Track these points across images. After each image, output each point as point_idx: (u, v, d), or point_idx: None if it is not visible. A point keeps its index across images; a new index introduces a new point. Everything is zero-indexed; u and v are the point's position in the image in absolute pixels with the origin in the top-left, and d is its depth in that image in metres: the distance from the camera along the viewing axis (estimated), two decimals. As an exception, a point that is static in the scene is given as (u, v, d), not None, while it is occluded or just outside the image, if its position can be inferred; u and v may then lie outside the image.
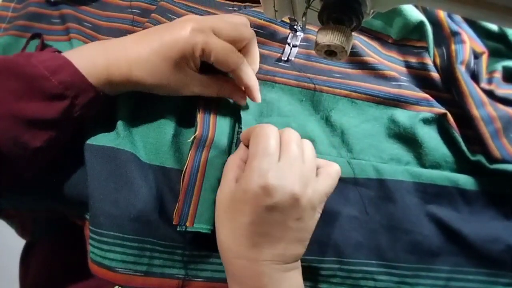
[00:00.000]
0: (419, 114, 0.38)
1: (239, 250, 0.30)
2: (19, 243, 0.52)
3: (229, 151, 0.37)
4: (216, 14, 0.43)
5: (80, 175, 0.37)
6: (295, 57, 0.41)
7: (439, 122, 0.39)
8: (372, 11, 0.25)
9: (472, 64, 0.41)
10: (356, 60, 0.41)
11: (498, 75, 0.40)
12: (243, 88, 0.37)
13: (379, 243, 0.36)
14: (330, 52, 0.25)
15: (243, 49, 0.36)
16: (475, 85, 0.39)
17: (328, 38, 0.24)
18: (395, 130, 0.39)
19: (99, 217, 0.33)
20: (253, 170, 0.29)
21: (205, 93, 0.36)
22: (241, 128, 0.37)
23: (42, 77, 0.30)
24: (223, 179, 0.33)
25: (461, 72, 0.39)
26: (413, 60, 0.42)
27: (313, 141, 0.38)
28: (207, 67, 0.36)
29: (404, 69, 0.43)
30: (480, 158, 0.38)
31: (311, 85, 0.39)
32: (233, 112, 0.38)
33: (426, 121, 0.39)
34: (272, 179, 0.28)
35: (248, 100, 0.38)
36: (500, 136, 0.38)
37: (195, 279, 0.35)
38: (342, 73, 0.41)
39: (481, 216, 0.38)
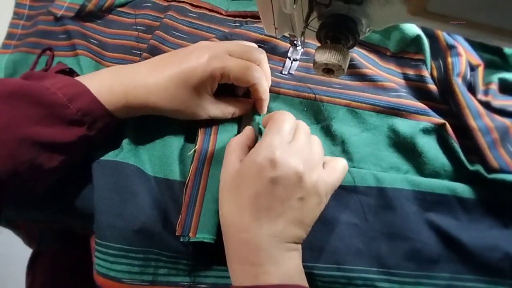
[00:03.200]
0: (419, 124, 0.39)
1: (242, 223, 0.31)
2: (26, 252, 0.53)
3: None
4: (219, 29, 0.44)
5: (86, 188, 0.38)
6: (295, 70, 0.42)
7: (438, 132, 0.40)
8: (368, 29, 0.26)
9: (468, 76, 0.41)
10: (355, 72, 0.42)
11: (494, 86, 0.41)
12: (254, 101, 0.39)
13: (379, 250, 0.36)
14: (327, 70, 0.26)
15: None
16: (471, 97, 0.40)
17: (326, 57, 0.25)
18: (395, 139, 0.40)
19: (104, 230, 0.34)
20: (264, 144, 0.31)
21: (222, 115, 0.38)
22: None
23: (61, 105, 0.31)
24: (226, 159, 0.34)
25: (458, 84, 0.40)
26: (411, 72, 0.43)
27: None
28: (219, 88, 0.37)
29: (402, 81, 0.44)
30: (479, 168, 0.39)
31: (312, 95, 0.40)
32: (234, 125, 0.39)
33: (425, 131, 0.39)
34: (279, 154, 0.30)
35: None
36: (498, 146, 0.38)
37: (200, 285, 0.36)
38: (341, 84, 0.42)
39: (480, 225, 0.38)
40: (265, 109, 0.39)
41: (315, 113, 0.41)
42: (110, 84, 0.34)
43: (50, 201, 0.39)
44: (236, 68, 0.35)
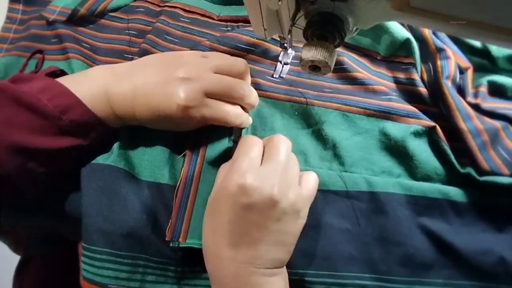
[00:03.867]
0: (410, 127, 0.39)
1: (218, 250, 0.30)
2: (14, 258, 0.52)
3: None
4: (211, 34, 0.45)
5: (75, 192, 0.37)
6: (286, 74, 0.42)
7: (429, 135, 0.40)
8: (355, 28, 0.26)
9: (458, 79, 0.42)
10: (346, 76, 0.42)
11: (483, 89, 0.41)
12: None
13: (372, 256, 0.36)
14: (314, 67, 0.26)
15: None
16: (461, 99, 0.40)
17: (312, 54, 0.25)
18: (386, 143, 0.40)
19: (91, 234, 0.34)
20: (233, 170, 0.30)
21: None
22: (232, 143, 0.38)
23: (53, 117, 0.31)
24: (214, 184, 0.34)
25: (448, 86, 0.40)
26: (401, 76, 0.44)
27: (305, 154, 0.39)
28: None
29: (393, 85, 0.44)
30: (470, 170, 0.38)
31: (303, 99, 0.40)
32: (226, 128, 0.39)
33: (416, 134, 0.39)
34: (250, 179, 0.29)
35: None
36: (488, 148, 0.39)
37: None
38: (332, 88, 0.42)
39: (472, 228, 0.38)
40: (247, 124, 0.39)
41: (306, 117, 0.41)
42: (102, 93, 0.34)
43: (39, 206, 0.38)
44: (215, 116, 0.35)
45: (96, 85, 0.34)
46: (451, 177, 0.39)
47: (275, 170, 0.30)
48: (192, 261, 0.35)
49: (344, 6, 0.24)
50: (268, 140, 0.33)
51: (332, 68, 0.26)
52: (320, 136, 0.40)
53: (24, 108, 0.30)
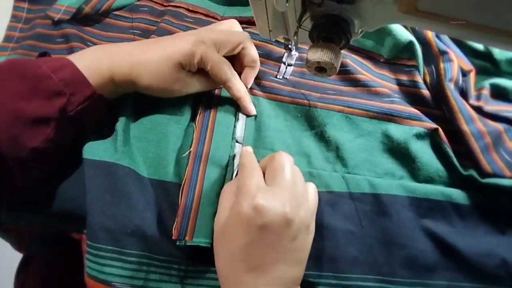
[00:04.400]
0: (413, 129, 0.39)
1: (238, 275, 0.30)
2: (15, 258, 0.52)
3: (226, 165, 0.37)
4: None
5: (78, 189, 0.37)
6: (290, 75, 0.42)
7: (432, 137, 0.40)
8: (360, 30, 0.26)
9: (460, 82, 0.42)
10: (349, 78, 0.42)
11: (486, 92, 0.41)
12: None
13: (376, 258, 0.36)
14: (320, 69, 0.26)
15: (241, 52, 0.39)
16: (464, 102, 0.40)
17: (318, 55, 0.25)
18: (389, 145, 0.40)
19: (96, 232, 0.34)
20: (243, 194, 0.30)
21: (203, 88, 0.39)
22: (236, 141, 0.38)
23: (45, 76, 0.32)
24: (219, 207, 0.34)
25: (450, 89, 0.40)
26: (404, 78, 0.44)
27: (308, 156, 0.39)
28: None
29: (396, 87, 0.44)
30: (472, 172, 0.39)
31: (305, 101, 0.40)
32: (230, 126, 0.39)
33: (419, 136, 0.40)
34: (262, 200, 0.29)
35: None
36: (491, 151, 0.39)
37: None
38: (335, 89, 0.42)
39: (475, 231, 0.38)
40: (250, 108, 0.39)
41: (309, 119, 0.41)
42: (97, 58, 0.35)
43: (42, 204, 0.38)
44: (214, 61, 0.36)
45: (91, 53, 0.36)
46: (453, 179, 0.40)
47: (284, 189, 0.31)
48: (196, 260, 0.35)
49: (351, 8, 0.24)
50: (270, 159, 0.34)
51: (337, 70, 0.26)
52: (323, 138, 0.40)
53: (19, 74, 0.32)
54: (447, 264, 0.37)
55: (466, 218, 0.38)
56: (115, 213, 0.34)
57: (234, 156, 0.38)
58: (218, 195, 0.36)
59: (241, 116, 0.40)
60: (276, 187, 0.31)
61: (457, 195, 0.38)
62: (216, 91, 0.41)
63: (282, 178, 0.31)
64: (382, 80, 0.44)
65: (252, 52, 0.40)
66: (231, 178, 0.37)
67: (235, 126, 0.39)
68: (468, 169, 0.39)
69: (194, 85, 0.38)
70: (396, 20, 0.24)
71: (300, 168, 0.35)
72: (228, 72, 0.37)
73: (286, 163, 0.32)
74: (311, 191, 0.34)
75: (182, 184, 0.36)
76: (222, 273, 0.31)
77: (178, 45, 0.36)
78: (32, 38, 0.46)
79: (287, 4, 0.24)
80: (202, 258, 0.35)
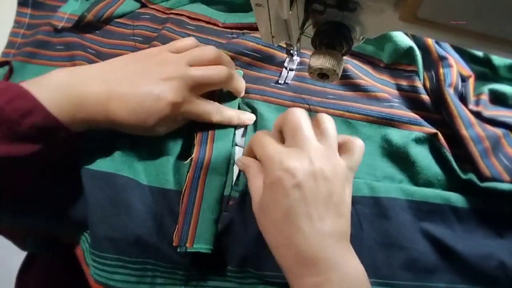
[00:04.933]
0: (412, 134, 0.40)
1: (287, 240, 0.29)
2: (15, 259, 0.52)
3: (226, 172, 0.38)
4: (217, 41, 0.45)
5: (75, 197, 0.38)
6: (291, 80, 0.43)
7: (431, 142, 0.41)
8: (361, 37, 0.27)
9: (460, 87, 0.42)
10: (349, 83, 0.43)
11: (485, 97, 0.42)
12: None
13: (376, 260, 0.36)
14: (322, 75, 0.26)
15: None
16: (463, 107, 0.41)
17: (321, 62, 0.25)
18: (388, 149, 0.40)
19: (100, 242, 0.35)
20: (269, 163, 0.30)
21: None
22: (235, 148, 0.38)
23: (11, 122, 0.29)
24: (252, 194, 0.33)
25: (450, 94, 0.41)
26: (404, 83, 0.44)
27: None
28: None
29: (396, 92, 0.45)
30: (471, 176, 0.39)
31: (306, 106, 0.41)
32: (230, 132, 0.39)
33: (418, 141, 0.40)
34: (288, 161, 0.29)
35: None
36: (489, 155, 0.39)
37: None
38: (335, 94, 0.42)
39: (474, 234, 0.39)
40: (246, 123, 0.40)
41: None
42: (67, 97, 0.32)
43: (37, 209, 0.38)
44: (196, 113, 0.37)
45: (58, 88, 0.32)
46: (452, 183, 0.40)
47: (307, 146, 0.30)
48: (199, 263, 0.36)
49: (352, 16, 0.25)
50: (284, 119, 0.32)
51: (339, 76, 0.26)
52: None
53: None
54: (446, 266, 0.37)
55: (465, 221, 0.39)
56: (117, 223, 0.35)
57: (234, 162, 0.38)
58: (218, 201, 0.36)
59: (239, 133, 0.40)
60: (298, 146, 0.30)
61: (456, 198, 0.38)
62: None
63: (302, 135, 0.30)
64: (382, 85, 0.45)
65: (236, 87, 0.40)
66: (232, 185, 0.37)
67: (234, 134, 0.39)
68: (467, 173, 0.39)
69: (181, 122, 0.38)
70: (396, 28, 0.24)
71: None
72: (214, 115, 0.38)
73: (302, 119, 0.31)
74: (356, 148, 0.33)
75: (183, 191, 0.36)
76: (274, 244, 0.30)
77: (157, 107, 0.34)
78: (31, 45, 0.46)
79: (290, 12, 0.24)
80: (205, 261, 0.35)
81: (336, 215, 0.30)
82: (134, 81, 0.35)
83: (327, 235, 0.29)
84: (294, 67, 0.41)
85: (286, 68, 0.42)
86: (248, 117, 0.40)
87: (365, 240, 0.37)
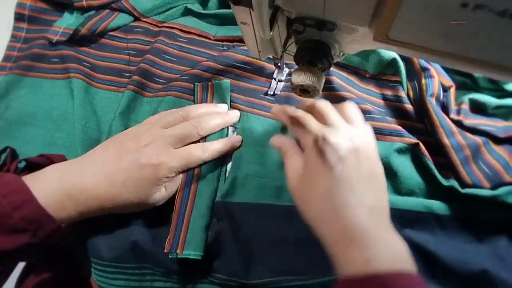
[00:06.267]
0: (394, 145, 0.41)
1: (334, 215, 0.30)
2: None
3: (218, 179, 0.39)
4: (208, 53, 0.47)
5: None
6: (280, 91, 0.44)
7: (412, 152, 0.42)
8: (341, 53, 0.28)
9: (441, 97, 0.44)
10: (334, 95, 0.44)
11: (465, 106, 0.43)
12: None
13: None
14: (304, 91, 0.28)
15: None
16: (445, 116, 0.42)
17: (302, 78, 0.27)
18: None
19: (99, 251, 0.37)
20: (312, 138, 0.31)
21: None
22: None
23: (5, 214, 0.30)
24: (289, 171, 0.33)
25: (432, 104, 0.42)
26: (389, 93, 0.46)
27: None
28: None
29: (381, 101, 0.46)
30: (453, 183, 0.40)
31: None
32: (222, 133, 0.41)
33: (400, 151, 0.41)
34: (330, 136, 0.30)
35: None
36: (470, 163, 0.40)
37: None
38: None
39: (456, 240, 0.39)
40: (235, 147, 0.41)
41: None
42: (59, 191, 0.34)
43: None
44: (185, 163, 0.37)
45: (51, 182, 0.34)
46: (434, 191, 0.41)
47: (342, 126, 0.32)
48: (194, 268, 0.37)
49: (331, 35, 0.26)
50: (311, 108, 0.34)
51: (320, 91, 0.28)
52: None
53: None
54: (430, 273, 0.38)
55: (447, 227, 0.40)
56: (115, 232, 0.37)
57: (226, 169, 0.39)
58: (209, 208, 0.38)
59: (231, 130, 0.42)
60: (334, 126, 0.32)
61: (438, 206, 0.39)
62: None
63: (335, 119, 0.32)
64: (368, 94, 0.46)
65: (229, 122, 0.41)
66: (224, 192, 0.39)
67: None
68: (449, 180, 0.41)
69: (176, 181, 0.38)
70: (372, 46, 0.26)
71: None
72: (202, 156, 0.38)
73: (328, 106, 0.33)
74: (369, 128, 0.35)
75: (176, 199, 0.38)
76: (318, 220, 0.31)
77: (145, 174, 0.35)
78: (27, 58, 0.47)
79: (271, 33, 0.26)
80: (199, 266, 0.37)
81: (378, 191, 0.31)
82: (116, 157, 0.36)
83: (372, 210, 0.29)
84: (283, 78, 0.43)
85: (275, 79, 0.43)
86: (235, 140, 0.41)
87: None
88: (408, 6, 0.20)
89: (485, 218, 0.40)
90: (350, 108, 0.34)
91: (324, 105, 0.33)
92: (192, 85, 0.44)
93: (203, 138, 0.40)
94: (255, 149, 0.41)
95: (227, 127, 0.41)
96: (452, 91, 0.44)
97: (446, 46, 0.22)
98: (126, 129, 0.42)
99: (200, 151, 0.38)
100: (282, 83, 0.44)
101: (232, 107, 0.43)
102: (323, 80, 0.28)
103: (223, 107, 0.42)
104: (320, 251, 0.37)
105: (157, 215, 0.38)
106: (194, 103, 0.43)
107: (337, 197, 0.29)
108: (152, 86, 0.46)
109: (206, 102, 0.43)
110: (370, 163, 0.31)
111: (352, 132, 0.32)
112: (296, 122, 0.33)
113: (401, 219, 0.39)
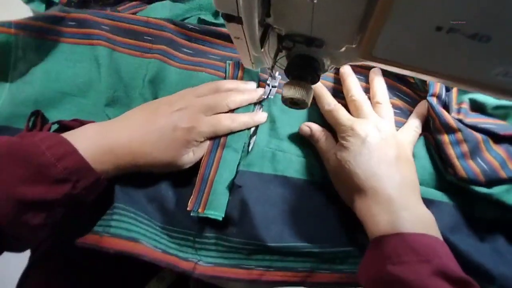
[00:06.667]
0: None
1: (367, 182, 0.37)
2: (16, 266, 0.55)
3: (242, 150, 0.42)
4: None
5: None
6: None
7: (425, 144, 0.44)
8: (330, 66, 0.29)
9: (443, 96, 0.45)
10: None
11: (465, 105, 0.44)
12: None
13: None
14: (294, 103, 0.29)
15: None
16: (445, 114, 0.43)
17: (291, 92, 0.28)
18: None
19: (124, 195, 0.40)
20: (364, 123, 0.39)
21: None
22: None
23: (49, 164, 0.32)
24: (323, 152, 0.41)
25: (431, 102, 0.43)
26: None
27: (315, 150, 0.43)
28: None
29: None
30: (452, 178, 0.41)
31: None
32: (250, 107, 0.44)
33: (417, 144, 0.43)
34: (377, 121, 0.40)
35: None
36: (467, 158, 0.40)
37: (205, 264, 0.39)
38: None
39: (459, 232, 0.40)
40: (261, 122, 0.44)
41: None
42: (97, 146, 0.36)
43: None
44: (215, 129, 0.40)
45: (89, 138, 0.36)
46: (441, 184, 0.43)
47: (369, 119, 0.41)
48: (209, 232, 0.40)
49: (319, 50, 0.27)
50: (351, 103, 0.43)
51: (309, 104, 0.29)
52: None
53: (22, 160, 0.31)
54: None
55: (452, 218, 0.41)
56: (144, 187, 0.40)
57: (249, 142, 0.42)
58: (232, 174, 0.40)
59: (257, 107, 0.45)
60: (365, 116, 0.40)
61: (443, 198, 0.41)
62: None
63: (366, 109, 0.41)
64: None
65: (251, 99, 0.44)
66: (247, 162, 0.42)
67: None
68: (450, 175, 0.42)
69: (203, 146, 0.41)
70: (358, 61, 0.26)
71: (307, 160, 0.42)
72: (230, 125, 0.41)
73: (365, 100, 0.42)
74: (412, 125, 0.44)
75: (200, 164, 0.40)
76: (352, 194, 0.38)
77: (175, 136, 0.38)
78: (43, 20, 0.45)
79: (262, 50, 0.27)
80: (214, 231, 0.40)
81: (405, 171, 0.37)
82: (151, 119, 0.38)
83: (400, 185, 0.36)
84: (276, 84, 0.44)
85: (268, 85, 0.45)
86: (261, 116, 0.44)
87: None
88: (389, 28, 0.21)
89: (482, 216, 0.40)
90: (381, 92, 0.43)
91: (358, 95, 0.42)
92: (224, 64, 0.46)
93: (231, 111, 0.42)
94: (277, 125, 0.44)
95: (254, 104, 0.44)
96: (454, 90, 0.44)
97: (426, 64, 0.23)
98: (155, 97, 0.44)
99: (229, 120, 0.41)
100: (275, 89, 0.45)
101: (260, 86, 0.45)
102: (312, 93, 0.29)
103: (252, 85, 0.44)
104: (333, 224, 0.40)
105: (183, 179, 0.41)
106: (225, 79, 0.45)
107: (368, 171, 0.36)
108: (180, 56, 0.46)
109: (236, 79, 0.45)
110: (396, 148, 0.38)
111: (379, 122, 0.40)
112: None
113: None
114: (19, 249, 0.37)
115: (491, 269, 0.38)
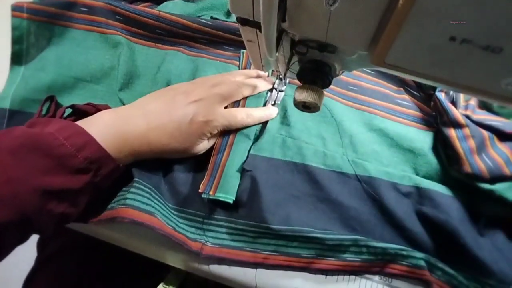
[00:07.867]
0: (419, 131, 0.45)
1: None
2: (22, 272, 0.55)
3: (253, 136, 0.43)
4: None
5: None
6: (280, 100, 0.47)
7: (434, 140, 0.45)
8: (341, 71, 0.30)
9: (451, 92, 0.45)
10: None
11: (473, 102, 0.44)
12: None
13: (372, 232, 0.41)
14: (305, 106, 0.30)
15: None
16: (453, 109, 0.43)
17: (304, 96, 0.29)
18: (396, 142, 0.45)
19: (141, 175, 0.41)
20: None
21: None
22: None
23: (70, 155, 0.32)
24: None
25: (440, 98, 0.44)
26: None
27: (324, 139, 0.44)
28: None
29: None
30: (456, 173, 0.42)
31: (328, 94, 0.47)
32: (261, 98, 0.45)
33: (423, 137, 0.45)
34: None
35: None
36: (473, 153, 0.41)
37: (213, 245, 0.41)
38: (356, 85, 0.48)
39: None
40: (273, 116, 0.45)
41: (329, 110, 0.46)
42: (114, 135, 0.36)
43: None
44: (230, 123, 0.41)
45: (106, 126, 0.36)
46: (448, 178, 0.44)
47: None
48: (218, 215, 0.41)
49: (332, 55, 0.28)
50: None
51: (320, 108, 0.30)
52: (339, 127, 0.45)
53: (43, 151, 0.32)
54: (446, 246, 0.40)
55: (457, 211, 0.41)
56: (154, 168, 0.42)
57: (261, 129, 0.44)
58: (242, 159, 0.41)
59: (273, 93, 0.46)
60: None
61: (447, 191, 0.42)
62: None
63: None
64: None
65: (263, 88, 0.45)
66: (257, 147, 0.43)
67: (264, 104, 0.45)
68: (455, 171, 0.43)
69: (216, 136, 0.43)
70: (370, 67, 0.27)
71: (316, 148, 0.42)
72: (245, 120, 0.42)
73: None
74: None
75: (213, 150, 0.42)
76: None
77: (192, 128, 0.39)
78: (55, 5, 0.46)
79: (276, 54, 0.27)
80: (223, 214, 0.41)
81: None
82: (168, 109, 0.39)
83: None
84: (283, 88, 0.45)
85: (276, 89, 0.45)
86: (274, 111, 0.44)
87: (365, 215, 0.41)
88: (404, 37, 0.22)
89: (484, 212, 0.41)
90: None
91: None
92: (238, 54, 0.47)
93: (244, 98, 0.44)
94: (289, 113, 0.45)
95: (267, 92, 0.45)
96: (461, 87, 0.45)
97: (437, 73, 0.23)
98: (168, 84, 0.45)
99: (244, 116, 0.42)
100: (283, 93, 0.46)
101: (272, 74, 0.47)
102: (323, 97, 0.29)
103: (264, 73, 0.45)
104: (336, 211, 0.41)
105: (195, 162, 0.42)
106: (239, 69, 0.47)
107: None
108: (195, 46, 0.48)
109: (250, 68, 0.46)
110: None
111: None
112: None
113: (416, 195, 0.42)
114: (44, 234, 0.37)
115: (491, 264, 0.38)
